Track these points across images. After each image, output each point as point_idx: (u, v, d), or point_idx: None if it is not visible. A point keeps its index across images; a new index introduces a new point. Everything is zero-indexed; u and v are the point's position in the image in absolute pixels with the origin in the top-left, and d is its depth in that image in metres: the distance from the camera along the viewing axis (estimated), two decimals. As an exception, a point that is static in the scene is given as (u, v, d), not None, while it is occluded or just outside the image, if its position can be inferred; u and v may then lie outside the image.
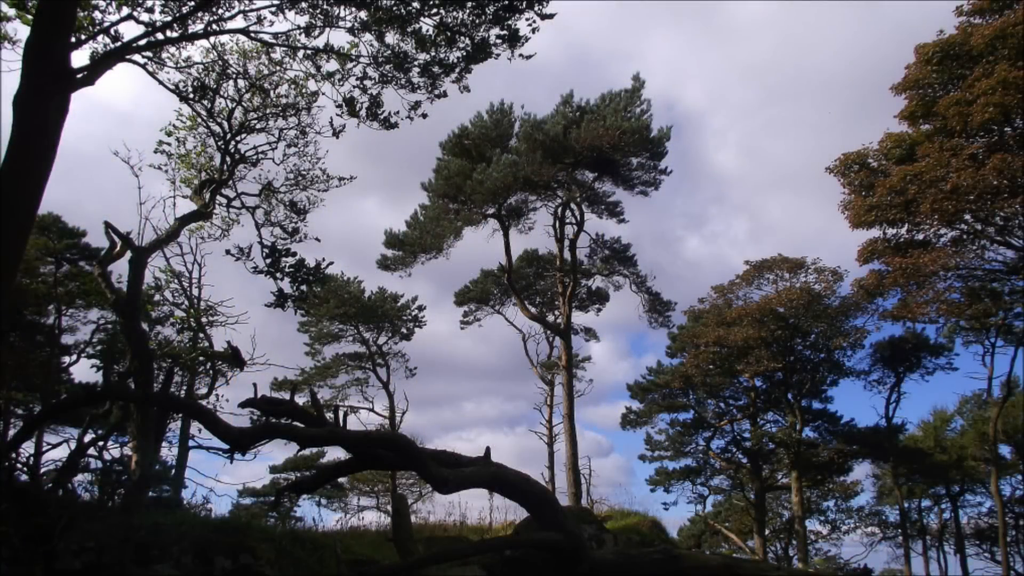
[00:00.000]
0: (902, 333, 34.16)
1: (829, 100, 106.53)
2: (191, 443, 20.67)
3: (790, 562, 37.42)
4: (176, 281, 18.17)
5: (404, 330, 35.46)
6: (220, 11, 12.23)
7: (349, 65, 13.43)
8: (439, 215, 29.88)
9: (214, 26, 12.46)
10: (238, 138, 15.65)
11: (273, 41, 13.11)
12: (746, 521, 37.54)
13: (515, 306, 32.24)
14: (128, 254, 14.46)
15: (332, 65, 13.65)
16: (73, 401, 20.73)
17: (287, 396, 9.33)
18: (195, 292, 19.01)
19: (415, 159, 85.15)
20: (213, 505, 16.90)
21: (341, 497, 43.20)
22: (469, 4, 12.07)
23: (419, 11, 12.24)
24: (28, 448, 19.23)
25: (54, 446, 21.47)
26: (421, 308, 35.37)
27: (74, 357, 26.44)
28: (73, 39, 10.15)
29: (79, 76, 9.78)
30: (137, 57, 12.35)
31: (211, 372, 20.66)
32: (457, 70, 13.10)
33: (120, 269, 15.99)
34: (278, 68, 14.64)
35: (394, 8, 12.12)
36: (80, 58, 10.58)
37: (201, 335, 18.64)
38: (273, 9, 12.22)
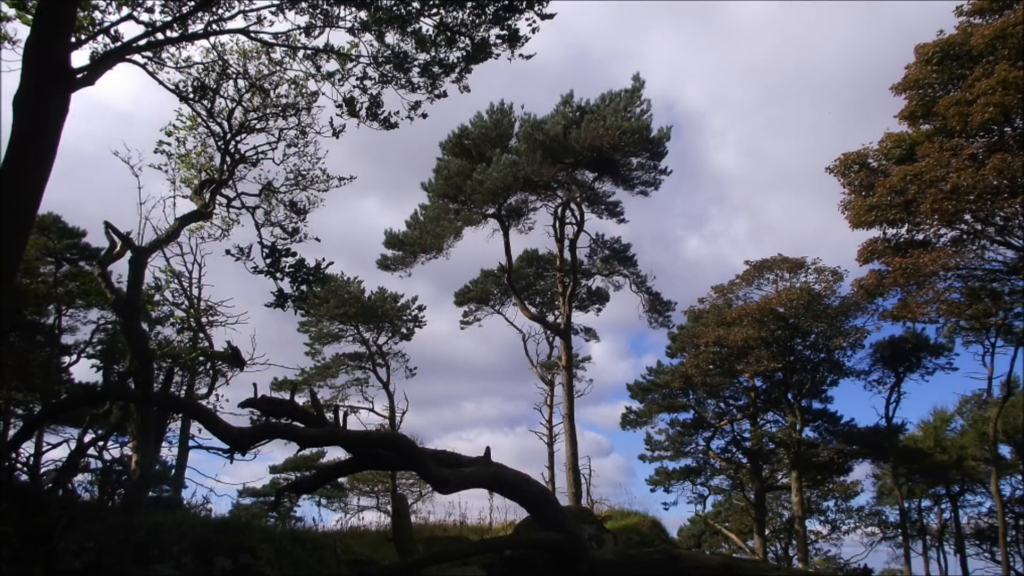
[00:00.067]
0: (902, 333, 34.22)
1: (829, 100, 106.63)
2: (191, 443, 20.68)
3: (790, 562, 37.43)
4: (176, 281, 18.18)
5: (404, 330, 35.47)
6: (220, 11, 12.23)
7: (349, 65, 13.43)
8: (439, 215, 29.88)
9: (214, 26, 12.46)
10: (238, 138, 15.65)
11: (273, 41, 13.11)
12: (746, 521, 37.54)
13: (515, 306, 32.25)
14: (128, 254, 14.46)
15: (332, 65, 13.66)
16: (73, 401, 20.73)
17: (287, 396, 9.33)
18: (195, 292, 19.03)
19: (415, 159, 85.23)
20: (213, 505, 16.93)
21: (341, 497, 43.21)
22: (469, 4, 12.07)
23: (419, 11, 12.24)
24: (28, 448, 19.25)
25: (54, 446, 21.50)
26: (421, 308, 35.42)
27: (74, 357, 26.46)
28: (73, 39, 10.15)
29: (79, 76, 9.78)
30: (137, 57, 12.36)
31: (211, 372, 20.67)
32: (457, 70, 13.10)
33: (120, 269, 16.01)
34: (278, 68, 14.65)
35: (394, 8, 12.12)
36: (80, 58, 10.61)
37: (201, 335, 18.65)
38: (273, 9, 12.22)
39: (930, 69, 21.90)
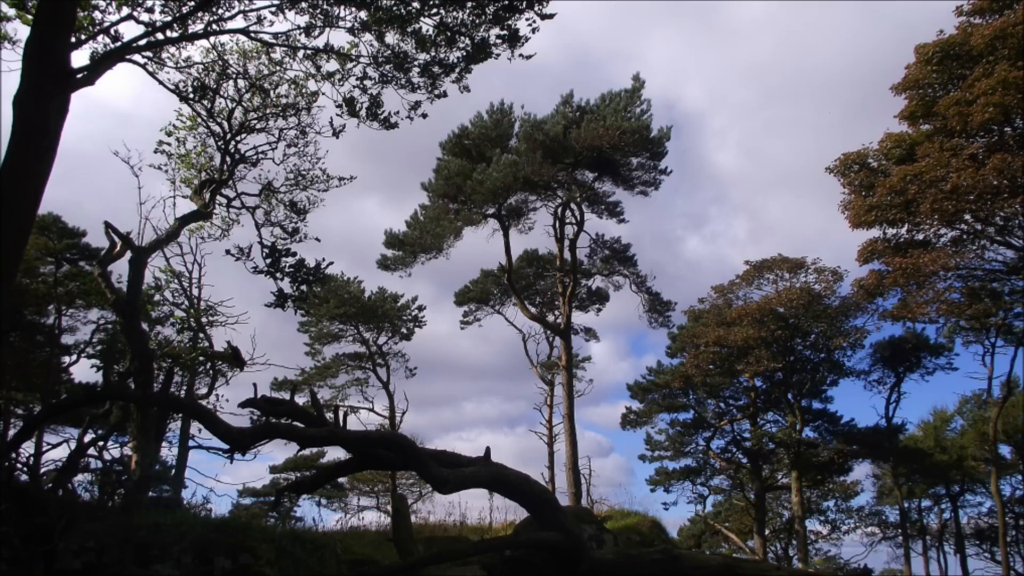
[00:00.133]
0: (902, 333, 34.18)
1: (829, 100, 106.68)
2: (191, 443, 20.70)
3: (790, 562, 37.41)
4: (176, 281, 18.20)
5: (404, 330, 35.46)
6: (220, 11, 12.24)
7: (349, 65, 13.44)
8: (439, 215, 29.88)
9: (214, 26, 12.47)
10: (238, 138, 15.66)
11: (273, 41, 13.11)
12: (746, 521, 37.53)
13: (515, 306, 32.25)
14: (128, 254, 14.48)
15: (332, 65, 13.66)
16: (73, 401, 20.76)
17: (287, 396, 9.34)
18: (195, 292, 19.07)
19: (415, 159, 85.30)
20: (213, 505, 16.92)
21: (341, 497, 43.22)
22: (469, 4, 12.07)
23: (419, 11, 12.24)
24: (28, 448, 19.30)
25: (54, 446, 21.56)
26: (421, 308, 35.40)
27: (74, 357, 26.50)
28: (73, 39, 10.14)
29: (79, 76, 9.78)
30: (137, 57, 12.36)
31: (211, 372, 20.69)
32: (457, 70, 13.11)
33: (120, 269, 16.04)
34: (278, 68, 14.65)
35: (394, 8, 12.12)
36: (80, 58, 10.60)
37: (201, 335, 18.65)
38: (273, 9, 12.22)
39: (930, 69, 21.90)
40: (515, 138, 28.50)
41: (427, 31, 12.56)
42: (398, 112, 13.81)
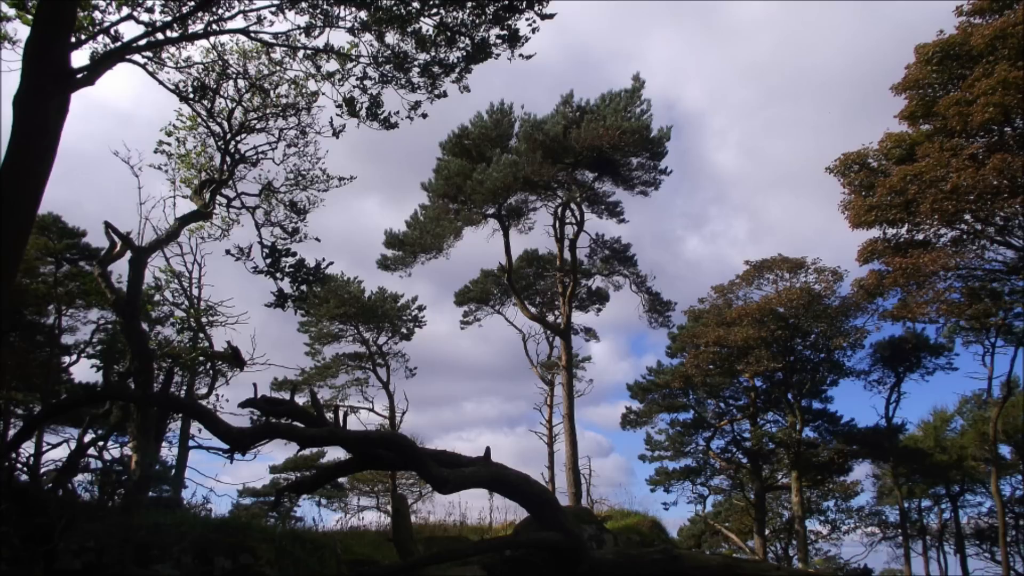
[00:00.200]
0: (902, 333, 34.19)
1: (829, 100, 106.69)
2: (191, 443, 20.70)
3: (790, 562, 37.41)
4: (176, 281, 18.20)
5: (404, 330, 35.46)
6: (220, 11, 12.24)
7: (349, 65, 13.44)
8: (439, 215, 29.88)
9: (214, 26, 12.47)
10: (238, 138, 15.66)
11: (273, 41, 13.11)
12: (746, 521, 37.52)
13: (515, 306, 32.25)
14: (128, 254, 14.48)
15: (332, 65, 13.67)
16: (73, 401, 20.76)
17: (287, 396, 9.34)
18: (195, 292, 19.06)
19: (415, 159, 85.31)
20: (213, 505, 16.91)
21: (341, 497, 43.22)
22: (469, 4, 12.07)
23: (419, 11, 12.24)
24: (28, 448, 19.29)
25: (54, 446, 21.55)
26: (421, 308, 35.40)
27: (74, 357, 26.50)
28: (73, 39, 10.14)
29: (79, 76, 9.78)
30: (137, 57, 12.36)
31: (211, 372, 20.68)
32: (457, 70, 13.11)
33: (120, 269, 16.04)
34: (278, 68, 14.65)
35: (394, 8, 12.12)
36: (80, 58, 10.61)
37: (201, 335, 18.65)
38: (273, 9, 12.22)
39: (930, 69, 21.90)
40: (515, 138, 28.50)
41: (427, 31, 12.56)
42: (398, 112, 13.83)
